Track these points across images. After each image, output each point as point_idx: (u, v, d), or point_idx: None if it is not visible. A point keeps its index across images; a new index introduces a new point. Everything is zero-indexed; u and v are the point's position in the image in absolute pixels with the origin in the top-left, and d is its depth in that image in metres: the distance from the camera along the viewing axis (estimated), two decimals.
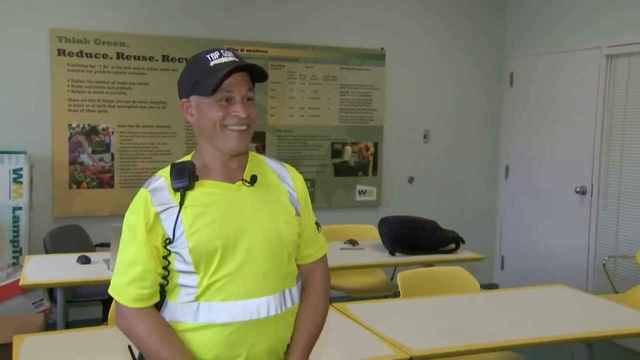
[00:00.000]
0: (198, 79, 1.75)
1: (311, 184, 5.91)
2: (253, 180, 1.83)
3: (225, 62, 1.74)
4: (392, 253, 4.50)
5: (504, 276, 6.62)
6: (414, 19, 6.30)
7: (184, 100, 1.81)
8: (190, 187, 1.76)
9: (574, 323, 3.13)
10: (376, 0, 6.15)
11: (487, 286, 5.81)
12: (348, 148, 6.13)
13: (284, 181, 1.93)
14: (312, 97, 5.93)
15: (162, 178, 1.81)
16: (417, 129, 6.41)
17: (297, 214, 1.90)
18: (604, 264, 5.13)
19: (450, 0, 6.43)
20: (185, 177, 1.76)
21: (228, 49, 1.80)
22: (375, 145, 6.22)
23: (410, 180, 6.41)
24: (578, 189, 5.72)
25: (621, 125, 5.38)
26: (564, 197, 5.87)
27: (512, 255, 6.61)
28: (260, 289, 1.78)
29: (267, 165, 1.94)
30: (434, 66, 6.43)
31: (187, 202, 1.76)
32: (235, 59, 1.76)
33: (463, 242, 4.67)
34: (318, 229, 2.01)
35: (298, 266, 1.95)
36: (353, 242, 4.74)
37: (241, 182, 1.83)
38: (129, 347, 1.86)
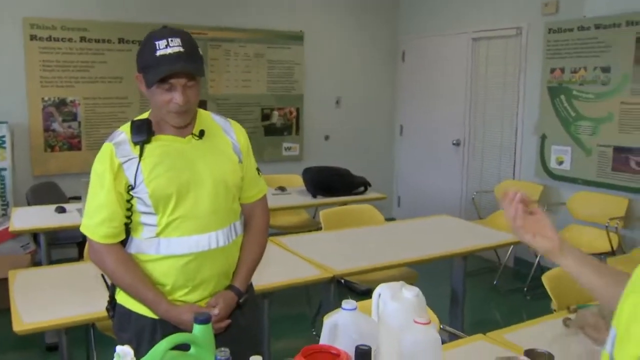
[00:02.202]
0: (145, 64, 1.63)
1: None
2: (201, 134, 1.75)
3: (169, 55, 1.59)
4: (314, 196, 4.61)
5: (399, 211, 6.80)
6: (326, 6, 6.30)
7: (137, 74, 1.69)
8: (147, 141, 1.69)
9: (453, 242, 3.33)
10: None
11: (387, 220, 6.14)
12: (275, 112, 6.15)
13: (228, 134, 1.83)
14: (244, 71, 5.92)
15: (124, 133, 1.72)
16: (330, 96, 6.46)
17: (240, 161, 1.82)
18: (473, 198, 5.52)
19: None
20: (143, 133, 1.68)
21: (176, 34, 1.63)
22: (297, 110, 6.25)
23: (326, 137, 6.49)
24: (454, 142, 6.00)
25: (483, 92, 5.69)
26: (444, 148, 6.13)
27: (405, 195, 6.83)
28: (210, 225, 1.73)
29: (213, 120, 1.84)
30: (343, 45, 6.45)
31: (145, 154, 1.68)
32: (181, 50, 1.60)
33: (370, 185, 4.81)
34: (259, 174, 1.93)
35: (242, 205, 1.89)
36: (282, 189, 4.81)
37: (191, 136, 1.75)
38: (102, 276, 1.84)
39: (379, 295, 1.74)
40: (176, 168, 1.71)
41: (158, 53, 1.59)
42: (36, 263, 4.27)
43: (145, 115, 1.78)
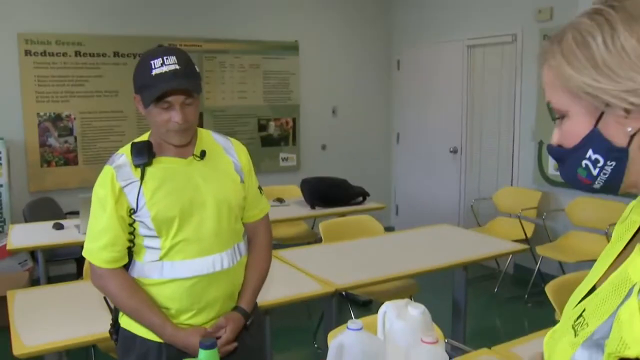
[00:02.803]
0: (142, 84, 1.63)
1: None
2: (202, 155, 1.74)
3: (165, 73, 1.58)
4: (312, 207, 4.60)
5: (398, 220, 6.78)
6: (320, 17, 6.29)
7: (135, 95, 1.68)
8: (149, 163, 1.67)
9: (454, 252, 3.29)
10: (290, 3, 6.10)
11: (386, 229, 6.11)
12: (272, 123, 6.13)
13: (229, 153, 1.82)
14: (240, 82, 5.90)
15: (124, 155, 1.70)
16: (327, 106, 6.45)
17: (242, 181, 1.81)
18: (471, 205, 5.52)
19: (349, 2, 6.45)
20: (144, 155, 1.67)
21: (172, 53, 1.62)
22: (294, 120, 6.24)
23: (323, 147, 6.46)
24: (451, 149, 5.97)
25: (480, 99, 5.66)
26: (441, 156, 6.11)
27: (403, 203, 6.81)
28: (213, 247, 1.72)
29: (213, 140, 1.82)
30: (338, 55, 6.44)
31: (146, 177, 1.67)
32: (177, 67, 1.59)
33: (368, 195, 4.79)
34: (260, 193, 1.92)
35: (245, 224, 1.87)
36: (280, 200, 4.80)
37: (192, 157, 1.74)
38: (105, 298, 1.82)
39: (384, 313, 1.73)
40: (178, 190, 1.70)
41: (154, 72, 1.58)
42: (34, 280, 4.27)
43: (145, 137, 1.76)
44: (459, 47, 5.82)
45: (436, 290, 3.86)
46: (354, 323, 1.58)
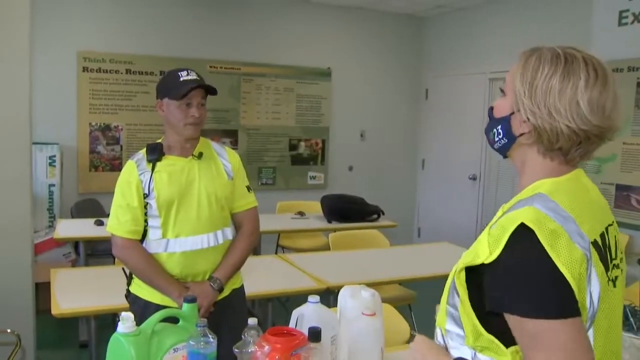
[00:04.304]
0: (171, 87, 2.08)
1: (273, 170, 6.30)
2: (200, 156, 2.19)
3: (190, 80, 2.08)
4: (329, 221, 4.96)
5: (420, 242, 6.94)
6: (353, 46, 6.69)
7: (159, 100, 2.14)
8: (158, 159, 2.14)
9: (448, 266, 3.65)
10: (325, 33, 6.51)
11: None
12: (302, 143, 6.53)
13: (222, 157, 2.26)
14: (274, 104, 6.34)
15: (141, 154, 2.17)
16: (355, 129, 6.81)
17: (230, 178, 2.24)
18: (482, 230, 5.84)
19: (380, 32, 6.82)
20: (156, 153, 2.14)
21: (192, 70, 2.16)
22: (323, 141, 6.63)
23: (350, 168, 6.81)
24: (471, 176, 6.32)
25: None
26: (462, 182, 6.45)
27: (425, 226, 7.14)
28: (203, 228, 2.14)
29: (211, 146, 2.28)
30: (368, 82, 6.80)
31: (156, 169, 2.12)
32: (197, 78, 2.10)
33: (383, 213, 5.12)
34: (249, 191, 2.33)
35: (234, 215, 2.28)
36: (301, 214, 5.18)
37: (192, 157, 2.19)
38: (123, 269, 2.27)
39: (342, 294, 2.14)
40: (179, 181, 2.15)
41: (182, 79, 2.10)
42: None
43: (159, 140, 2.25)
44: (481, 79, 6.16)
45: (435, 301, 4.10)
46: (313, 297, 2.00)
